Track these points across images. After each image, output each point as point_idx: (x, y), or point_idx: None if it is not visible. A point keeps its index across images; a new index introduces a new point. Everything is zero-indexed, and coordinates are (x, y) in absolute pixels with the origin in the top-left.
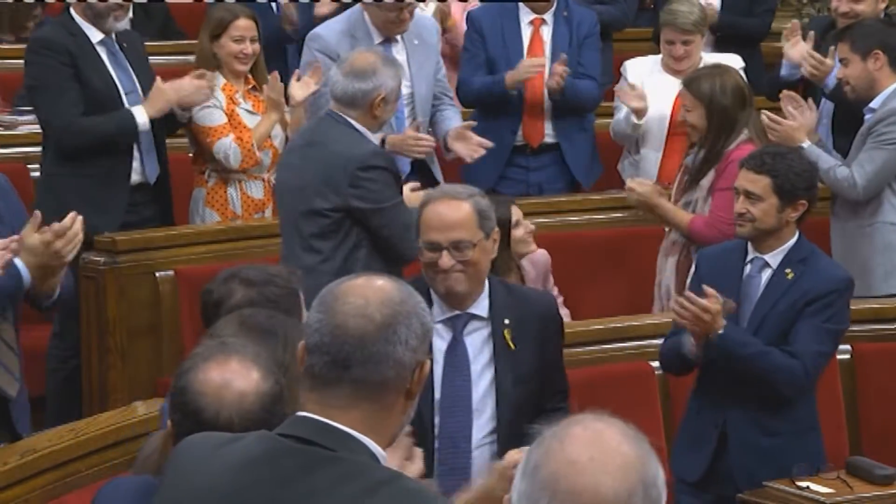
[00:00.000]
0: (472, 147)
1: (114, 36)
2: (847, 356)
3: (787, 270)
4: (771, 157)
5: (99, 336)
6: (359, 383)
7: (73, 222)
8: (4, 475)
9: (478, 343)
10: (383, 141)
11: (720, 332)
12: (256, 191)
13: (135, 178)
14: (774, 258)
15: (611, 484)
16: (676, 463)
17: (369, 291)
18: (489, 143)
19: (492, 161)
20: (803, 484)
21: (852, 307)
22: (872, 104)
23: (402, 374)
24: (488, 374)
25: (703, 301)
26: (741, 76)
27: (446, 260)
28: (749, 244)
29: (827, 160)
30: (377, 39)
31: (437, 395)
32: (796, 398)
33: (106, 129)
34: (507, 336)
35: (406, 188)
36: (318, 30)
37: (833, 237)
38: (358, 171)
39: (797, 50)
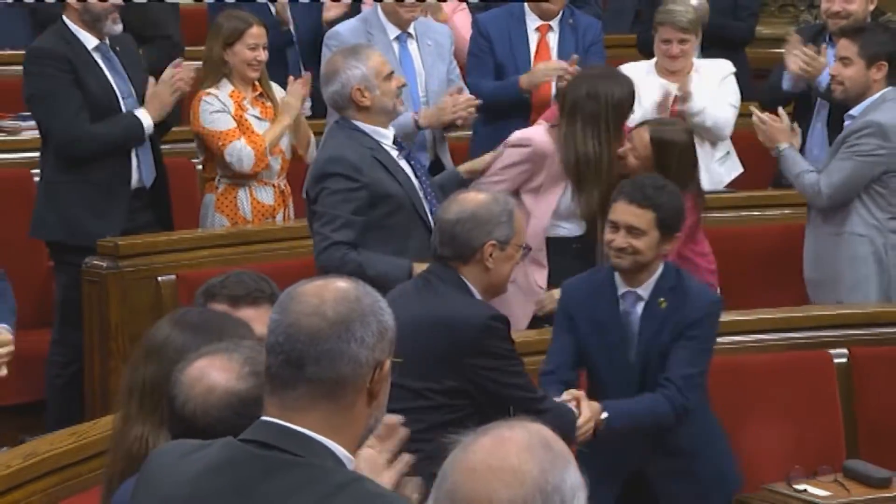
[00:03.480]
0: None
1: (107, 41)
2: (844, 360)
3: (661, 300)
4: (653, 189)
5: (101, 340)
6: (314, 382)
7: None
8: (7, 478)
9: None
10: (416, 121)
11: (604, 415)
12: (267, 196)
13: (134, 184)
14: (645, 290)
15: (504, 492)
16: None
17: (325, 291)
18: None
19: None
20: (800, 487)
21: (849, 310)
22: (854, 111)
23: (359, 371)
24: None
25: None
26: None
27: None
28: (616, 277)
29: (799, 164)
30: (392, 34)
31: None
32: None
33: (115, 136)
34: None
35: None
36: (337, 28)
37: (806, 242)
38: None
39: (796, 62)
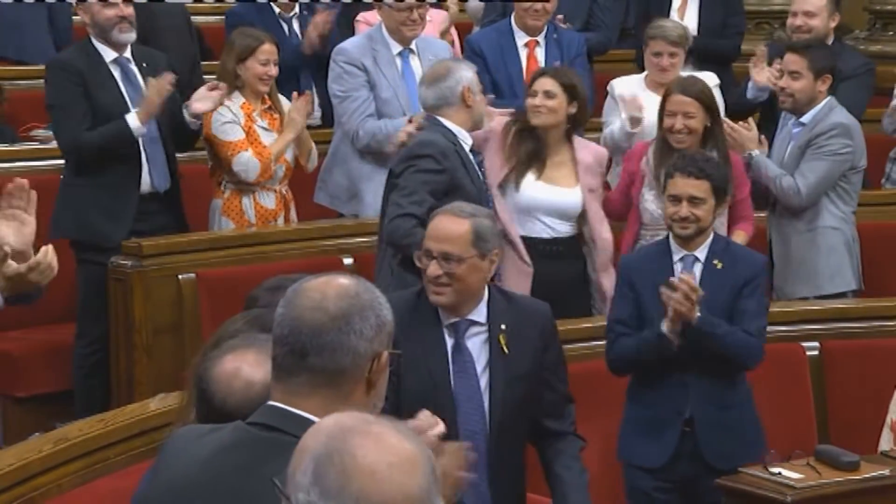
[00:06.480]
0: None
1: (130, 55)
2: (816, 352)
3: (716, 262)
4: (703, 161)
5: (126, 334)
6: (315, 371)
7: (46, 255)
8: (39, 462)
9: (477, 347)
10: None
11: (698, 314)
12: (269, 201)
13: (145, 188)
14: (702, 253)
15: (413, 483)
16: (631, 451)
17: (327, 287)
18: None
19: None
20: (775, 470)
21: (819, 307)
22: (803, 119)
23: (358, 362)
24: (485, 376)
25: (691, 282)
26: None
27: (434, 268)
28: (672, 245)
29: (774, 169)
30: (395, 50)
31: (452, 391)
32: (740, 373)
33: (102, 138)
34: (502, 340)
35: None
36: (343, 44)
37: (774, 240)
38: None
39: (763, 74)
